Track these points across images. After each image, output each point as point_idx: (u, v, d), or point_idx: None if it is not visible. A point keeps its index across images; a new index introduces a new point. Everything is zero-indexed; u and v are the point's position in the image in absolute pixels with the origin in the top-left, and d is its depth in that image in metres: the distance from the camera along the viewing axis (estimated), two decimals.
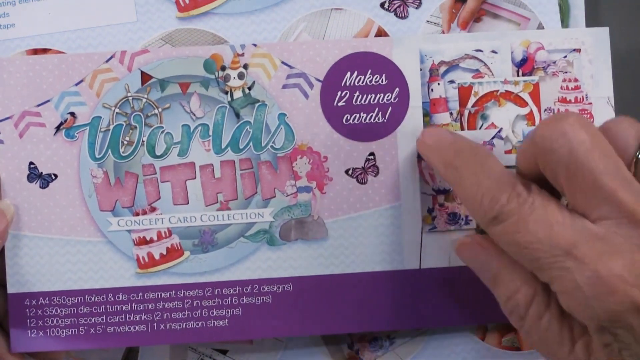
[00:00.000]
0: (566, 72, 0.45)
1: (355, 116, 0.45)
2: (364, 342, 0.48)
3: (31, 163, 0.45)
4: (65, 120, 0.45)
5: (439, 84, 0.45)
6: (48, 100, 0.45)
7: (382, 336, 0.48)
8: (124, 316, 0.45)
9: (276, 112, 0.45)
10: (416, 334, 0.48)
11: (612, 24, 0.47)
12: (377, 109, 0.45)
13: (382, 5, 0.47)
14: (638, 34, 0.50)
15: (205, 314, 0.45)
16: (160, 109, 0.45)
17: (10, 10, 0.46)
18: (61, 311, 0.45)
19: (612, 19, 0.49)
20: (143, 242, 0.45)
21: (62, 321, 0.44)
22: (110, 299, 0.45)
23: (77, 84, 0.45)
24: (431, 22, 0.47)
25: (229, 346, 0.48)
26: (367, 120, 0.45)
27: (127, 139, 0.45)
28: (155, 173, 0.45)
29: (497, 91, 0.45)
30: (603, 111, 0.46)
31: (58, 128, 0.45)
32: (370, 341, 0.48)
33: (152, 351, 0.47)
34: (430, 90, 0.45)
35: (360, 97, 0.45)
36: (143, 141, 0.45)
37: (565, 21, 0.47)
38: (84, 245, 0.45)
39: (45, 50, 0.46)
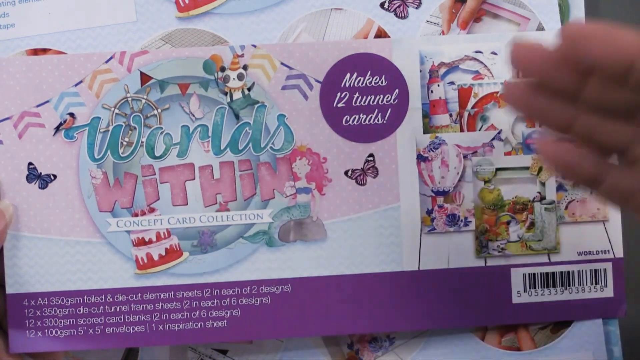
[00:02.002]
0: None
1: (355, 117, 0.45)
2: (363, 342, 0.48)
3: (30, 163, 0.45)
4: (65, 121, 0.45)
5: (438, 85, 0.45)
6: (47, 101, 0.45)
7: (381, 336, 0.48)
8: (122, 317, 0.45)
9: (276, 113, 0.45)
10: (416, 334, 0.48)
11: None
12: (376, 110, 0.45)
13: (382, 5, 0.46)
14: None
15: (204, 314, 0.45)
16: (159, 110, 0.45)
17: (10, 10, 0.46)
18: (60, 312, 0.44)
19: (612, 19, 0.49)
20: (142, 242, 0.45)
21: (60, 322, 0.44)
22: (109, 299, 0.45)
23: (76, 85, 0.45)
24: (431, 22, 0.47)
25: (228, 346, 0.48)
26: (367, 122, 0.45)
27: (126, 139, 0.45)
28: (155, 174, 0.45)
29: (497, 92, 0.45)
30: None
31: (57, 128, 0.45)
32: (370, 341, 0.48)
33: (152, 351, 0.47)
34: (430, 91, 0.45)
35: (359, 98, 0.45)
36: (142, 142, 0.45)
37: (565, 21, 0.47)
38: (83, 246, 0.45)
39: (45, 50, 0.46)
